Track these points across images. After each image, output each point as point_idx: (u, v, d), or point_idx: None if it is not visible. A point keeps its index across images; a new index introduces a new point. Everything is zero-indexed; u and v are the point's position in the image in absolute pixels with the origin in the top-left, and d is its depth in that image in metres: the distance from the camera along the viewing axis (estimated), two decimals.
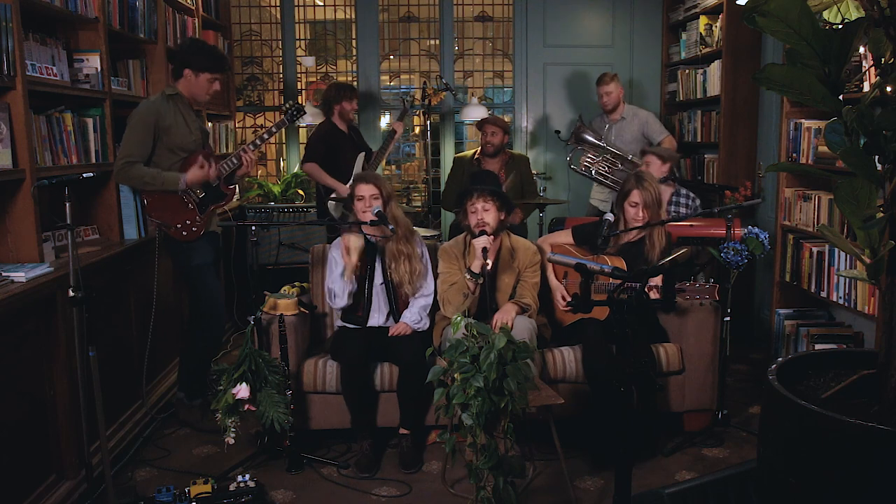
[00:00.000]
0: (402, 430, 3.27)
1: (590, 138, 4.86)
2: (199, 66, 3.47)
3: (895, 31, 1.83)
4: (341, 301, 3.33)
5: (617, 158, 4.84)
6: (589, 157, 4.91)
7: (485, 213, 3.26)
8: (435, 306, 3.48)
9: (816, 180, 3.89)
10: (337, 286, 3.33)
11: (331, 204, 4.72)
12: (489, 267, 3.23)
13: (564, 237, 3.63)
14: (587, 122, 5.04)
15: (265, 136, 3.68)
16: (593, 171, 4.90)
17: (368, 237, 3.38)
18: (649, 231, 3.46)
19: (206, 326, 3.62)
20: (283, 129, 6.13)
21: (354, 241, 3.28)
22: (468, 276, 3.23)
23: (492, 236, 3.24)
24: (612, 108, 4.95)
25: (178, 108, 3.47)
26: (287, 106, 3.77)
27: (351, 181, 3.49)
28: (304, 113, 3.84)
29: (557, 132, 5.37)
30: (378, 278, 3.41)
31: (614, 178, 4.86)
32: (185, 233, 3.44)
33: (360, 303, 3.40)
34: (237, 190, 5.35)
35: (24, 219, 2.82)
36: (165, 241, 3.53)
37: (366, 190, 3.31)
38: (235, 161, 3.55)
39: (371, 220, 3.24)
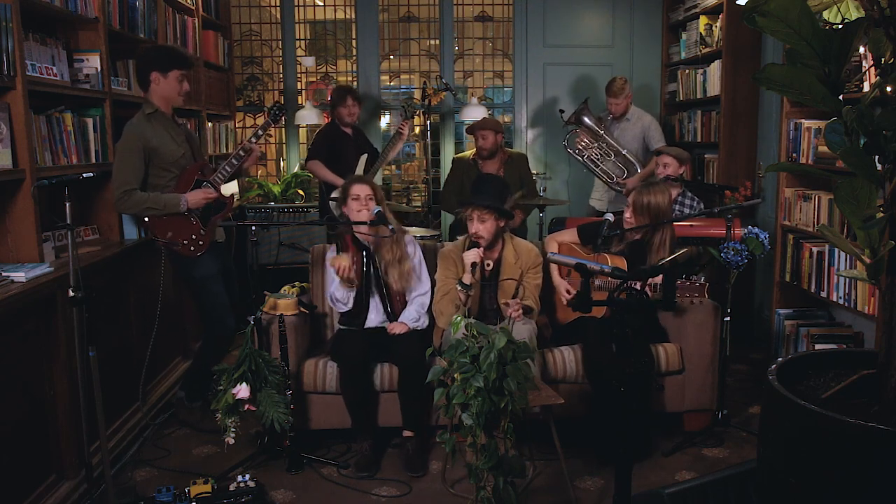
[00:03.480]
0: (406, 433, 3.26)
1: (589, 122, 4.86)
2: (165, 66, 3.39)
3: (895, 31, 1.83)
4: (346, 307, 3.36)
5: (611, 150, 4.84)
6: (584, 141, 4.91)
7: (480, 224, 3.26)
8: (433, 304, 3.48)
9: (816, 180, 3.89)
10: (340, 294, 3.35)
11: (332, 203, 4.72)
12: (489, 268, 3.22)
13: (570, 236, 3.62)
14: (592, 108, 5.02)
15: (252, 139, 3.65)
16: (585, 157, 4.90)
17: (362, 240, 3.39)
18: (653, 237, 3.45)
19: (211, 333, 3.63)
20: (283, 130, 6.15)
21: (342, 260, 3.28)
22: (459, 288, 3.22)
23: (482, 249, 3.24)
24: (618, 116, 4.96)
25: (161, 126, 3.41)
26: (270, 106, 3.78)
27: (346, 182, 3.48)
28: (286, 111, 3.84)
29: (561, 111, 5.33)
30: (372, 281, 3.41)
31: (604, 167, 4.87)
32: (192, 248, 3.42)
33: (360, 303, 3.41)
34: (236, 193, 5.35)
35: (24, 219, 2.82)
36: (168, 254, 3.51)
37: (361, 190, 3.33)
38: (228, 170, 3.53)
39: (371, 221, 3.25)
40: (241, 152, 3.54)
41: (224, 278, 3.61)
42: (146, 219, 3.40)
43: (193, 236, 3.42)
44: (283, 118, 3.90)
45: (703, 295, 3.10)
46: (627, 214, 3.46)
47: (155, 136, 3.36)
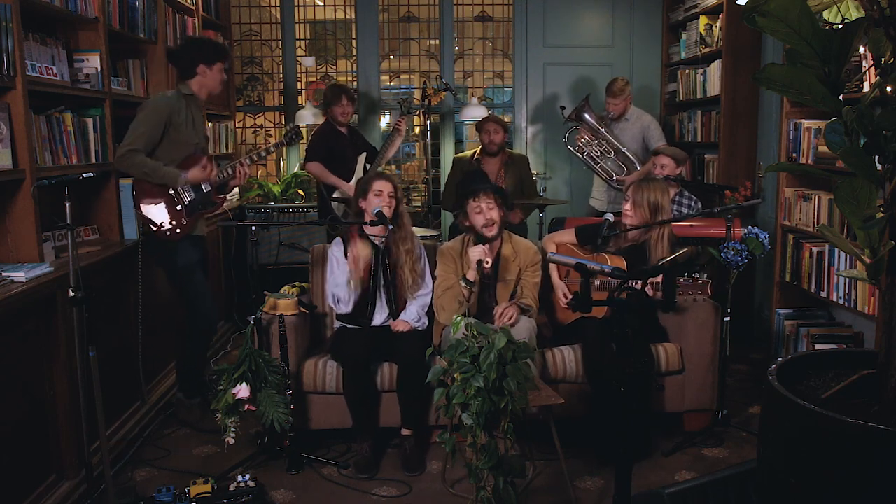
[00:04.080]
0: (405, 431, 3.27)
1: (590, 119, 4.85)
2: (211, 59, 3.56)
3: (895, 31, 1.83)
4: (346, 308, 3.36)
5: (612, 147, 4.83)
6: (584, 138, 4.91)
7: (490, 211, 3.26)
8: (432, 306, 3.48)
9: (816, 180, 3.89)
10: (342, 293, 3.34)
11: (333, 203, 4.72)
12: (488, 266, 3.24)
13: (568, 236, 3.62)
14: (593, 106, 5.01)
15: (263, 153, 3.80)
16: (585, 153, 4.90)
17: (372, 239, 3.39)
18: (650, 233, 3.45)
19: (196, 325, 3.63)
20: (283, 130, 6.14)
21: (362, 250, 3.29)
22: (463, 284, 3.22)
23: (488, 245, 3.24)
24: (617, 117, 4.96)
25: (190, 109, 3.54)
26: (288, 128, 3.94)
27: (367, 176, 3.51)
28: (301, 138, 3.95)
29: (562, 108, 5.32)
30: (381, 280, 3.41)
31: (604, 165, 4.86)
32: (167, 232, 3.45)
33: (364, 306, 3.40)
34: (235, 194, 5.36)
35: (24, 219, 2.82)
36: (148, 243, 3.53)
37: (385, 186, 3.34)
38: (230, 171, 3.58)
39: (371, 220, 3.25)
40: (228, 170, 3.59)
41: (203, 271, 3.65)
42: (135, 191, 3.45)
43: (173, 221, 3.46)
44: (297, 142, 4.02)
45: (707, 292, 3.09)
46: (627, 206, 3.46)
47: (181, 114, 3.47)
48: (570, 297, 3.42)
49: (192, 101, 3.57)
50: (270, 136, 6.23)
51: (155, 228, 3.45)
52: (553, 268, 3.54)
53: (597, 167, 4.91)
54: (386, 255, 3.41)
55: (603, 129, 4.86)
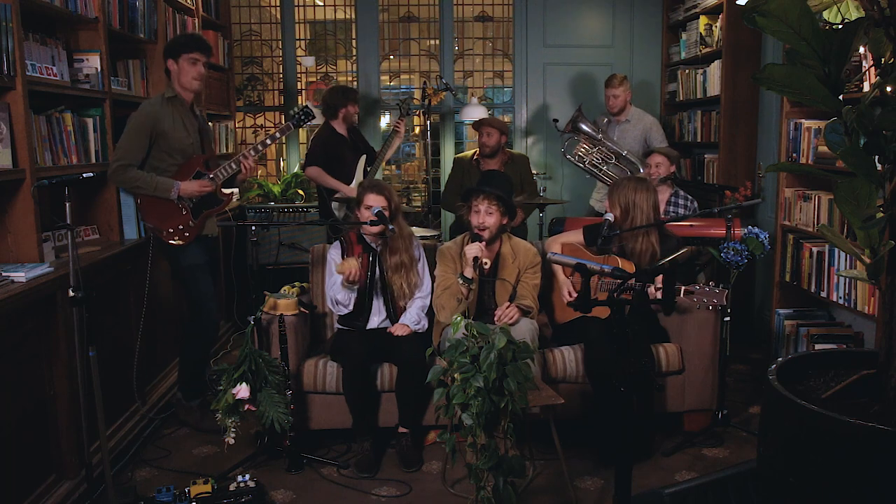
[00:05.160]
0: (402, 429, 3.27)
1: (586, 128, 4.85)
2: (176, 51, 3.46)
3: (895, 31, 1.83)
4: (346, 310, 3.36)
5: (612, 153, 4.83)
6: (583, 148, 4.90)
7: (487, 216, 3.27)
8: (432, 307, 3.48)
9: (816, 180, 3.89)
10: (341, 296, 3.34)
11: (334, 204, 4.71)
12: (487, 266, 3.23)
13: (575, 236, 3.63)
14: (587, 114, 5.01)
15: (267, 141, 3.66)
16: (586, 162, 4.90)
17: (370, 242, 3.39)
18: (637, 236, 3.44)
19: (198, 326, 3.62)
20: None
21: (353, 265, 3.25)
22: (461, 282, 3.22)
23: (484, 243, 3.24)
24: (618, 111, 4.96)
25: (176, 111, 3.46)
26: (294, 111, 3.76)
27: (360, 187, 3.46)
28: (313, 118, 3.81)
29: (555, 121, 5.32)
30: (377, 283, 3.41)
31: (607, 171, 4.87)
32: (176, 237, 3.43)
33: (360, 308, 3.40)
34: (235, 193, 5.34)
35: (24, 219, 2.82)
36: (157, 243, 3.53)
37: (376, 201, 3.31)
38: (234, 166, 3.54)
39: (371, 221, 3.25)
40: (232, 164, 3.54)
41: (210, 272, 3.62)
42: (139, 201, 3.43)
43: (180, 226, 3.44)
44: (307, 123, 3.83)
45: (723, 300, 3.05)
46: (605, 204, 3.50)
47: (167, 119, 3.41)
48: (575, 295, 3.41)
49: (177, 103, 3.48)
50: None
51: (163, 236, 3.43)
52: (558, 266, 3.54)
53: (600, 174, 4.90)
54: (382, 259, 3.41)
55: (601, 137, 4.85)
